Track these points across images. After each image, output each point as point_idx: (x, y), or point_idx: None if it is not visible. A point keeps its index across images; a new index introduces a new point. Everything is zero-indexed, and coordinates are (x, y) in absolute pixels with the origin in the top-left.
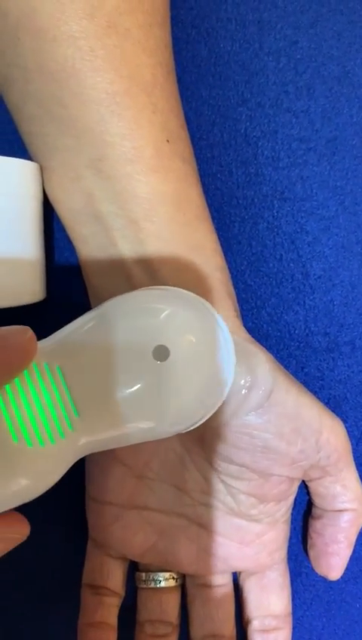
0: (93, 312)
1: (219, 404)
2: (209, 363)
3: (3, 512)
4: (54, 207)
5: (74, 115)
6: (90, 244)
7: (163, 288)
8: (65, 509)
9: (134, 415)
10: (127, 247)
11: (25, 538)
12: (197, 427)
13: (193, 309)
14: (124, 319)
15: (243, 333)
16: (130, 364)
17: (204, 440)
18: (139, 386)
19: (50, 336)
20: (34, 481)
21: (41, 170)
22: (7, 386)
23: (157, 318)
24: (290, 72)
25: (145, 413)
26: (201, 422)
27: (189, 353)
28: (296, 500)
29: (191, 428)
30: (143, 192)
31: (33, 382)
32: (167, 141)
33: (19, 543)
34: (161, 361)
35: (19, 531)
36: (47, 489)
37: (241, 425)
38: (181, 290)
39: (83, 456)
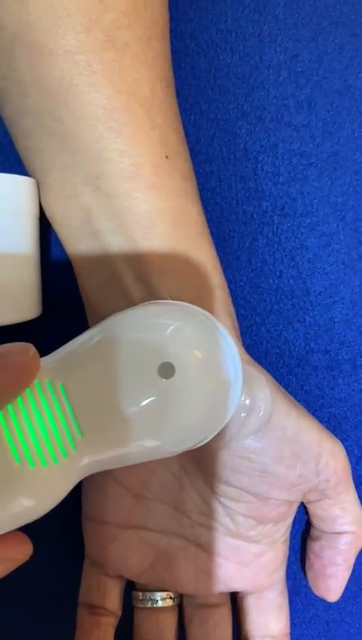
0: (96, 329)
1: (226, 420)
2: (216, 379)
3: (5, 533)
4: (51, 223)
5: (71, 132)
6: (87, 261)
7: (167, 303)
8: (62, 527)
9: (139, 434)
10: (125, 265)
11: (27, 558)
12: (195, 449)
13: (199, 323)
14: (129, 336)
15: (243, 355)
16: (134, 382)
17: (201, 462)
18: (144, 404)
19: (52, 353)
20: (36, 501)
21: (38, 185)
22: (9, 405)
23: (163, 334)
24: (291, 86)
25: (150, 432)
26: (208, 440)
27: (195, 370)
28: (294, 518)
29: (198, 445)
30: (142, 209)
31: (35, 401)
32: (166, 157)
33: (21, 563)
34: (166, 378)
35: (22, 551)
36: (50, 509)
37: (240, 448)
38: (185, 304)
39: (87, 475)
